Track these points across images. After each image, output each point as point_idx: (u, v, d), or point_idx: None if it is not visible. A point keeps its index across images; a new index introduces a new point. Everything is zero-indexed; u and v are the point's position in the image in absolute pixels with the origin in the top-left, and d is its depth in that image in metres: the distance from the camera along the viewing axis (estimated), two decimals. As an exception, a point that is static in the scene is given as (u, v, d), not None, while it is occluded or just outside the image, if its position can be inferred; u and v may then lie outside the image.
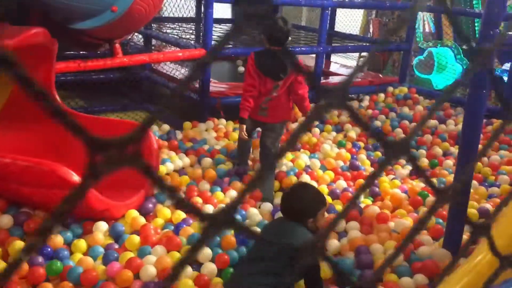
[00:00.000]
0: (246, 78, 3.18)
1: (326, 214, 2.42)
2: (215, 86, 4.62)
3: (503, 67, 5.84)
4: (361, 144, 4.27)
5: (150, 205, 2.93)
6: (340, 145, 4.18)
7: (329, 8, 4.73)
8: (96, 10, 2.84)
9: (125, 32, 3.38)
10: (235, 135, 3.90)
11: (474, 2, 6.02)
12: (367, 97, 5.40)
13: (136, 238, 2.60)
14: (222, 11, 6.52)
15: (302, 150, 4.00)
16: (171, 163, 3.46)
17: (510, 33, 4.73)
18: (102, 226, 2.66)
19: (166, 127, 4.16)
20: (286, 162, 3.65)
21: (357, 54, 8.38)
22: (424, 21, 6.66)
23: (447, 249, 2.50)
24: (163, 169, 3.35)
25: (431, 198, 3.18)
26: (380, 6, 5.88)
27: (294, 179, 3.42)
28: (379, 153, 4.14)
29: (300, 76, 3.05)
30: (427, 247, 2.57)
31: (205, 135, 4.05)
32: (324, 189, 3.32)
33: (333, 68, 6.12)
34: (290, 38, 3.10)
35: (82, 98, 5.41)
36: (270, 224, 2.46)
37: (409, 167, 3.91)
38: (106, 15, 2.88)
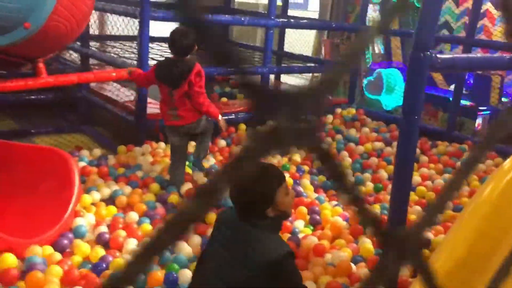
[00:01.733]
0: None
1: (289, 190, 1.83)
2: (154, 107, 4.39)
3: (450, 88, 5.88)
4: (306, 168, 4.13)
5: (65, 241, 2.65)
6: (283, 169, 4.02)
7: (273, 29, 4.60)
8: (6, 27, 2.59)
9: (46, 51, 3.13)
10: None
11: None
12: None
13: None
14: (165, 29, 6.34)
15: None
16: (97, 192, 3.20)
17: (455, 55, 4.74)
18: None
19: (97, 151, 3.89)
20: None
21: (309, 75, 8.35)
22: (374, 42, 6.67)
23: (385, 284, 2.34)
24: (87, 199, 3.08)
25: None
26: (326, 26, 5.84)
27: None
28: (323, 178, 4.00)
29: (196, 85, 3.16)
30: (362, 283, 2.41)
31: (140, 160, 3.80)
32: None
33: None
34: (194, 49, 3.17)
35: (15, 119, 5.09)
36: (221, 242, 1.82)
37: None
38: (18, 32, 2.63)
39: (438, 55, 2.17)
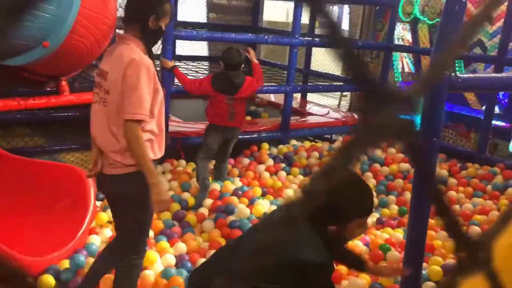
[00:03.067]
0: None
1: (366, 225, 1.75)
2: (177, 125, 4.40)
3: (483, 109, 5.66)
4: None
5: (82, 258, 2.64)
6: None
7: (297, 47, 4.56)
8: (26, 46, 2.64)
9: (67, 69, 3.18)
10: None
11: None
12: (340, 138, 5.20)
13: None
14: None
15: (263, 196, 3.75)
16: (114, 209, 3.19)
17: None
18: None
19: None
20: (242, 208, 3.38)
21: (338, 93, 8.25)
22: (403, 61, 6.54)
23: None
24: (104, 216, 3.08)
25: (392, 253, 2.91)
26: (352, 45, 5.73)
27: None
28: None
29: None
30: None
31: (160, 177, 3.78)
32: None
33: (308, 107, 5.92)
34: (242, 65, 3.65)
35: (42, 136, 5.19)
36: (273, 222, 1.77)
37: (377, 215, 3.65)
38: (37, 51, 2.68)
39: (459, 75, 2.07)
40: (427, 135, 2.10)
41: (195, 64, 6.39)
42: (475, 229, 3.27)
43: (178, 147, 4.14)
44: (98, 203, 3.23)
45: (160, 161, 3.99)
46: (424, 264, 2.72)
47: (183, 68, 5.53)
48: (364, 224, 1.69)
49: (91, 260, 2.66)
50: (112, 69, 2.01)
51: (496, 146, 5.18)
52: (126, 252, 2.15)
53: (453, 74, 2.05)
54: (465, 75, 2.08)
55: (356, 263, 2.05)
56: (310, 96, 6.93)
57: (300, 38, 4.56)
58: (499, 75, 2.19)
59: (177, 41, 5.50)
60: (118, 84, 1.98)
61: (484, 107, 5.17)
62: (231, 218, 3.26)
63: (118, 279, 2.17)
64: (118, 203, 2.13)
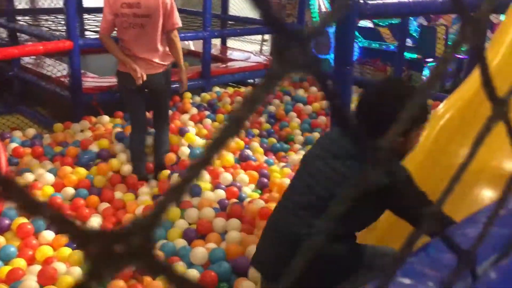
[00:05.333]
0: None
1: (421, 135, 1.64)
2: (91, 81, 4.17)
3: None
4: (255, 131, 4.04)
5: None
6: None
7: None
8: None
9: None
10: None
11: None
12: (263, 82, 5.19)
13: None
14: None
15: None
16: (31, 173, 3.02)
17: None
18: None
19: (31, 131, 3.68)
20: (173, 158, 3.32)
21: (260, 38, 8.19)
22: (320, 0, 6.55)
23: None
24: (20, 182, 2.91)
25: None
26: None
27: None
28: (273, 139, 3.93)
29: None
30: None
31: (79, 136, 3.62)
32: (207, 185, 3.05)
33: (228, 53, 5.83)
34: None
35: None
36: (335, 140, 1.61)
37: (303, 152, 3.73)
38: None
39: (368, 1, 2.09)
40: (340, 64, 2.12)
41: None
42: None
43: (94, 103, 3.95)
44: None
45: (77, 119, 3.80)
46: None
47: (91, 20, 5.20)
48: (423, 129, 1.62)
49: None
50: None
51: (410, 77, 5.40)
52: (167, 119, 3.20)
53: (361, 1, 2.06)
54: (373, 2, 2.10)
55: None
56: (231, 43, 6.82)
57: (213, -20, 4.41)
58: (406, 0, 2.22)
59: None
60: (158, 8, 2.86)
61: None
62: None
63: (165, 136, 3.20)
64: (161, 92, 3.05)
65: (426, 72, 5.41)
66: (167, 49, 3.00)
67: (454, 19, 5.71)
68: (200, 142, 3.59)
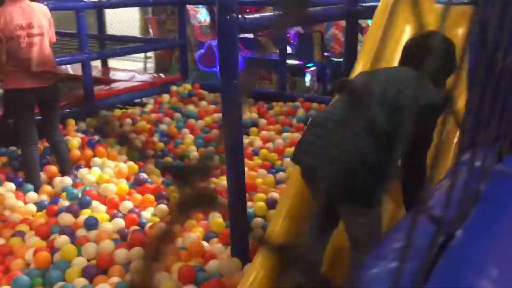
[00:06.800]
0: None
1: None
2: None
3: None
4: (150, 152, 3.92)
5: None
6: (132, 158, 3.75)
7: (84, 11, 4.21)
8: None
9: None
10: None
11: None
12: (151, 100, 5.08)
13: None
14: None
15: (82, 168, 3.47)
16: None
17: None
18: None
19: None
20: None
21: (142, 56, 8.01)
22: (196, 15, 6.58)
23: (236, 255, 2.30)
24: None
25: (220, 200, 2.98)
26: (144, 2, 5.57)
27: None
28: (169, 158, 3.84)
29: None
30: (215, 261, 2.33)
31: None
32: (104, 216, 2.88)
33: (111, 74, 5.61)
34: None
35: None
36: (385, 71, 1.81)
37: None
38: None
39: (246, 16, 2.12)
40: (226, 78, 2.13)
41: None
42: (288, 161, 3.53)
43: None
44: None
45: None
46: (250, 203, 2.84)
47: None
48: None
49: None
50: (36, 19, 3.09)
51: (294, 83, 5.63)
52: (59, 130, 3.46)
53: (240, 16, 2.08)
54: (250, 16, 2.14)
55: None
56: (113, 63, 6.58)
57: (85, 0, 4.22)
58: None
59: None
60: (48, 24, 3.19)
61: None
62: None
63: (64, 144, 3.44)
64: (54, 102, 3.27)
65: (308, 77, 5.67)
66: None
67: (327, 26, 6.07)
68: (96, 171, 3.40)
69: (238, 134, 2.17)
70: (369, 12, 2.73)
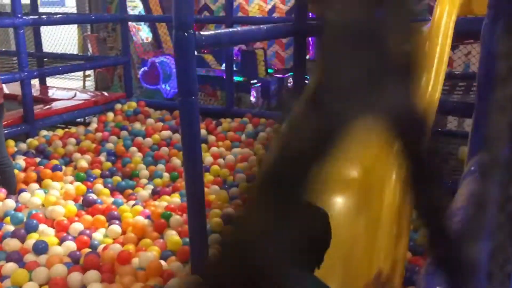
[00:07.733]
0: None
1: None
2: None
3: (223, 68, 6.12)
4: (96, 172, 3.80)
5: None
6: (79, 178, 3.61)
7: (23, 28, 4.07)
8: None
9: None
10: None
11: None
12: (95, 119, 4.94)
13: None
14: None
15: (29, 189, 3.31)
16: None
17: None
18: None
19: None
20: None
21: (81, 74, 7.79)
22: (138, 33, 6.51)
23: (196, 272, 2.29)
24: None
25: (175, 218, 2.95)
26: (85, 19, 5.46)
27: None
28: (118, 178, 3.73)
29: None
30: (175, 280, 2.30)
31: None
32: (53, 239, 2.76)
33: (51, 93, 5.42)
34: None
35: None
36: None
37: (151, 186, 3.62)
38: None
39: (202, 33, 2.15)
40: (185, 95, 2.14)
41: None
42: (240, 176, 3.56)
43: None
44: None
45: None
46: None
47: None
48: None
49: None
50: None
51: (240, 99, 5.69)
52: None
53: (196, 33, 2.11)
54: (207, 33, 2.17)
55: None
56: (51, 82, 6.36)
57: (24, 17, 4.08)
58: (235, 29, 2.36)
59: None
60: None
61: (223, 66, 5.58)
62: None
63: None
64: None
65: (253, 93, 5.75)
66: None
67: (269, 42, 6.21)
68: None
69: (197, 149, 2.18)
70: (316, 30, 2.84)
